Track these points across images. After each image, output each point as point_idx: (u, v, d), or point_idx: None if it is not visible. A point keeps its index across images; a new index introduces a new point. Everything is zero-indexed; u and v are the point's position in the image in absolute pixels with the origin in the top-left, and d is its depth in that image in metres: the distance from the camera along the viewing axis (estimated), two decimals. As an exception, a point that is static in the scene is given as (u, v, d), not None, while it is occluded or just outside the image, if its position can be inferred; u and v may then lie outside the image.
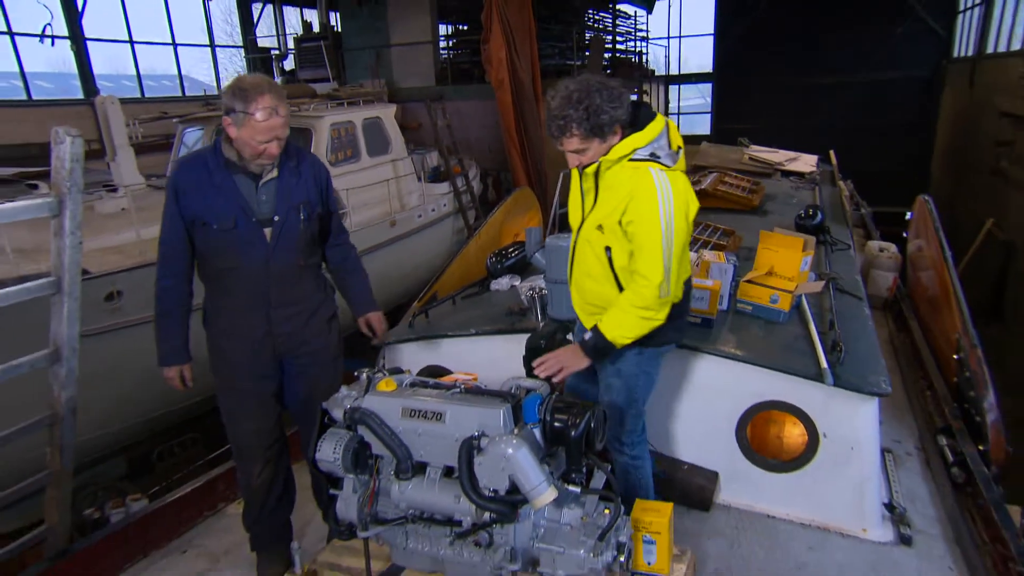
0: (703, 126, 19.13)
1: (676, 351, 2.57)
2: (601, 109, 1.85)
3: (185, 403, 5.31)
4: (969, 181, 11.63)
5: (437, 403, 1.79)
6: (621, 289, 2.01)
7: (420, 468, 1.83)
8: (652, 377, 2.17)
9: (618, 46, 17.80)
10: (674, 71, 20.14)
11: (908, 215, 5.47)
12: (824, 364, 2.40)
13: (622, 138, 1.92)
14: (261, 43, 15.56)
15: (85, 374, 2.23)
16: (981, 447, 2.70)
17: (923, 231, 4.60)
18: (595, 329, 1.99)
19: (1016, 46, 10.23)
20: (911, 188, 8.72)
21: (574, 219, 2.15)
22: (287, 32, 15.92)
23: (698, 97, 20.14)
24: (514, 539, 1.74)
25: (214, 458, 5.10)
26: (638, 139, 1.92)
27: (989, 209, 9.67)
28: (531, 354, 2.50)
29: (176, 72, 13.25)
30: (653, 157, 1.92)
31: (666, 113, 19.71)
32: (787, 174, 6.32)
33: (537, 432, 1.75)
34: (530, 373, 2.42)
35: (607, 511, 1.76)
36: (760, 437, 2.58)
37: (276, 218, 2.08)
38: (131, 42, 12.17)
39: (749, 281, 2.87)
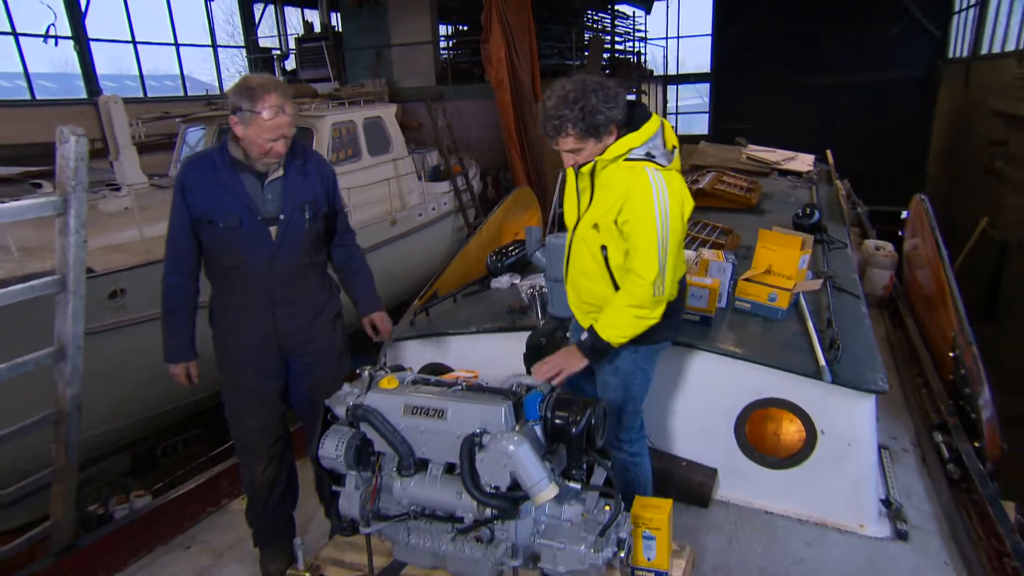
0: (701, 126, 19.19)
1: (676, 349, 2.59)
2: (597, 109, 1.85)
3: (188, 400, 5.34)
4: (964, 180, 11.68)
5: (439, 400, 1.80)
6: (617, 287, 2.02)
7: (422, 465, 1.84)
8: (649, 374, 2.19)
9: (617, 46, 17.83)
10: (672, 71, 20.20)
11: (904, 214, 5.51)
12: (822, 362, 2.41)
13: (617, 138, 1.93)
14: (262, 43, 15.59)
15: (88, 371, 2.25)
16: (976, 444, 2.72)
17: (919, 230, 4.63)
18: (591, 330, 2.00)
19: (1010, 47, 10.27)
20: (907, 187, 8.77)
21: (569, 218, 2.15)
22: (288, 32, 15.95)
23: (696, 97, 20.20)
24: (515, 535, 1.75)
25: (217, 454, 5.12)
26: (634, 139, 1.92)
27: (984, 208, 9.71)
28: (531, 351, 2.52)
29: (178, 72, 13.32)
30: (649, 157, 1.93)
31: (664, 113, 19.78)
32: (784, 173, 6.34)
33: (538, 429, 1.76)
34: (531, 370, 2.44)
35: (607, 507, 1.77)
36: (758, 434, 2.59)
37: (281, 217, 2.09)
38: (134, 42, 12.23)
39: (748, 279, 2.89)
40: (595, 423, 1.78)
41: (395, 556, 1.99)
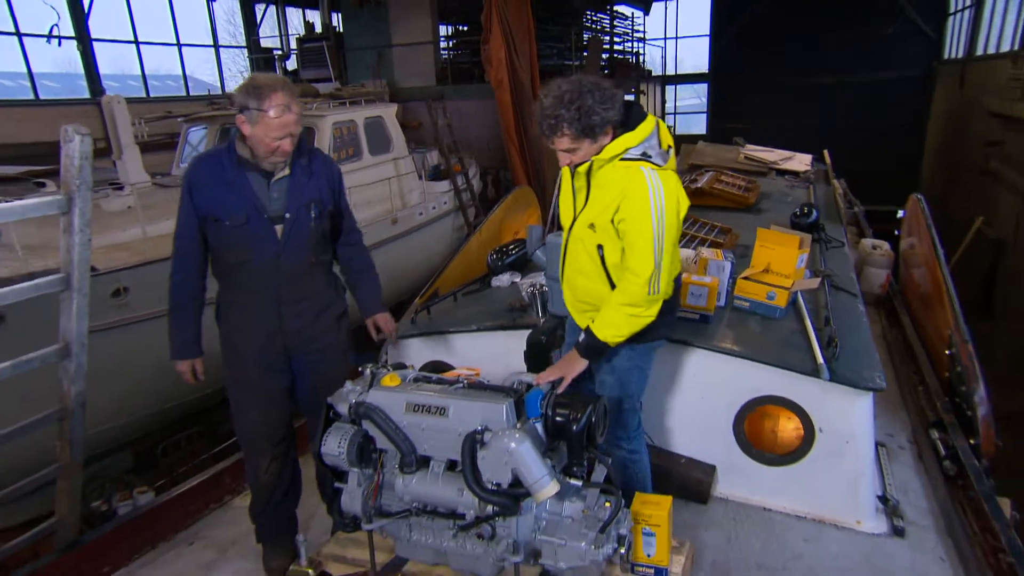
0: (699, 126, 19.26)
1: (675, 347, 2.61)
2: (593, 110, 1.85)
3: (190, 397, 5.36)
4: (960, 180, 11.74)
5: (440, 398, 1.81)
6: (613, 286, 2.02)
7: (424, 462, 1.85)
8: (645, 372, 2.20)
9: (616, 47, 17.85)
10: (670, 71, 20.26)
11: (900, 213, 5.54)
12: (820, 359, 2.43)
13: (613, 138, 1.93)
14: (264, 43, 15.62)
15: (92, 369, 2.25)
16: (972, 441, 2.74)
17: (915, 229, 4.65)
18: (588, 330, 2.01)
19: (1005, 48, 10.33)
20: (902, 187, 8.83)
21: (565, 217, 2.16)
22: (290, 33, 15.96)
23: (694, 97, 20.26)
24: (516, 531, 1.77)
25: (219, 451, 5.16)
26: (630, 139, 1.93)
27: (979, 208, 9.76)
28: (532, 349, 2.54)
29: (180, 72, 13.36)
30: (645, 156, 1.93)
31: (663, 113, 19.83)
32: (782, 173, 6.35)
33: (539, 426, 1.78)
34: (531, 368, 2.46)
35: (608, 504, 1.78)
36: (757, 431, 2.60)
37: (287, 215, 2.11)
38: (136, 42, 12.27)
39: (746, 278, 2.90)
40: (596, 420, 1.80)
41: (397, 552, 2.00)
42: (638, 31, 19.49)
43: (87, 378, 2.26)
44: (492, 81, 10.68)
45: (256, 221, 2.08)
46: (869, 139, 15.10)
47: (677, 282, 2.18)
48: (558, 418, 1.77)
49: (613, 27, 18.49)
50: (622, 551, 1.76)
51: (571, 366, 2.02)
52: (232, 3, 15.49)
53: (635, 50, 18.89)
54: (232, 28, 16.83)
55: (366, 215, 7.24)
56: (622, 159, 1.94)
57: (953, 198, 11.80)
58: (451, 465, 1.84)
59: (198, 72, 14.71)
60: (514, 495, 1.71)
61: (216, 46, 14.34)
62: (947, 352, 3.19)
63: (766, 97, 16.43)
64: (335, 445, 1.85)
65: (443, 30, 13.86)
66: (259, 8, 15.49)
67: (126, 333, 4.76)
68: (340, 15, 13.53)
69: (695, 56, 19.57)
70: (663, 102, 20.37)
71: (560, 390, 1.94)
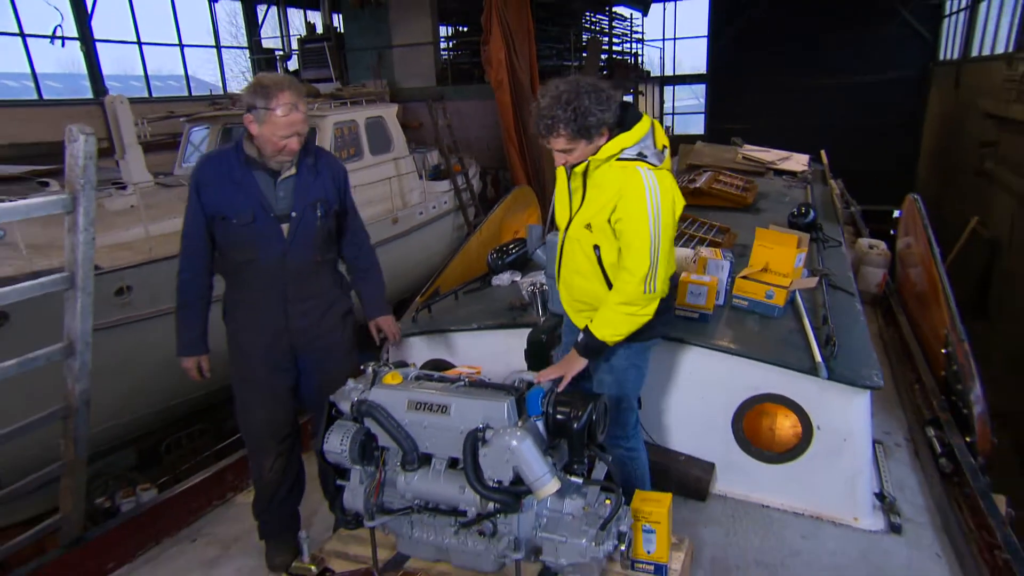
0: (697, 126, 19.33)
1: (675, 345, 2.63)
2: (589, 111, 1.85)
3: (193, 395, 5.38)
4: (955, 180, 11.79)
5: (442, 396, 1.82)
6: (610, 286, 2.03)
7: (425, 459, 1.87)
8: (642, 370, 2.21)
9: (614, 48, 17.87)
10: (669, 72, 20.31)
11: (896, 213, 5.57)
12: (818, 358, 2.44)
13: (609, 139, 1.94)
14: (265, 44, 15.64)
15: (95, 367, 2.27)
16: (968, 438, 2.75)
17: (912, 229, 4.67)
18: (586, 330, 2.02)
19: (1000, 49, 10.39)
20: (898, 187, 8.87)
21: (561, 218, 2.16)
22: (291, 33, 15.98)
23: (691, 98, 20.32)
24: (518, 528, 1.78)
25: (222, 449, 5.18)
26: (626, 139, 1.94)
27: (974, 208, 9.80)
28: (532, 348, 2.55)
29: (183, 72, 13.41)
30: (641, 156, 1.94)
31: (661, 113, 19.89)
32: (779, 173, 6.38)
33: (540, 424, 1.79)
34: (531, 367, 2.48)
35: (608, 501, 1.80)
36: (755, 429, 2.62)
37: (293, 214, 2.12)
38: (139, 43, 12.30)
39: (745, 277, 2.91)
40: (596, 418, 1.81)
41: (399, 549, 2.02)
42: (637, 32, 19.51)
43: (91, 376, 2.27)
44: (492, 82, 10.71)
45: (263, 220, 2.09)
46: (865, 140, 15.19)
47: (673, 281, 2.19)
48: (559, 416, 1.79)
49: (612, 28, 18.50)
50: (622, 548, 1.77)
51: (571, 365, 2.03)
52: (234, 4, 15.53)
53: (634, 51, 18.91)
54: (234, 29, 16.90)
55: (367, 214, 7.19)
56: (618, 159, 1.95)
57: (948, 198, 11.85)
58: (453, 463, 1.85)
59: (200, 72, 14.77)
60: (515, 492, 1.72)
61: (218, 47, 14.39)
62: (943, 351, 3.20)
63: (763, 97, 16.50)
64: (337, 443, 1.86)
65: (443, 31, 13.88)
66: (261, 9, 15.53)
67: (129, 331, 4.79)
68: (341, 16, 13.55)
69: (693, 57, 19.64)
70: (661, 103, 20.41)
71: (560, 388, 1.95)
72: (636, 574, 1.96)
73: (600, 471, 1.90)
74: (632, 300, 1.95)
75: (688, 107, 20.50)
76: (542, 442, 1.77)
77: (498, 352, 2.79)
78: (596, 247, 2.01)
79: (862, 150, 14.36)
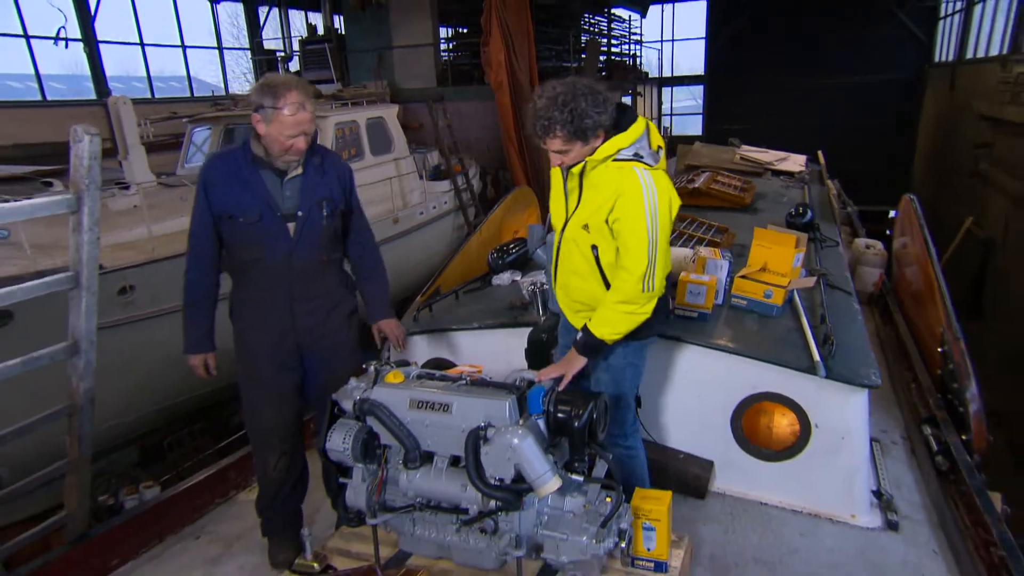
0: (695, 127, 19.39)
1: (674, 344, 2.64)
2: (586, 113, 1.86)
3: (196, 393, 5.40)
4: (950, 181, 11.85)
5: (444, 395, 1.84)
6: (608, 286, 2.04)
7: (427, 458, 1.88)
8: (639, 369, 2.22)
9: (613, 49, 17.91)
10: (667, 73, 20.36)
11: (892, 213, 5.60)
12: (816, 357, 2.45)
13: (604, 140, 1.96)
14: (267, 45, 15.68)
15: (99, 365, 2.27)
16: (964, 436, 2.76)
17: (908, 229, 4.69)
18: (585, 329, 2.03)
19: (994, 52, 10.46)
20: (894, 188, 8.91)
21: (557, 219, 2.17)
22: (292, 35, 16.02)
23: (689, 99, 20.38)
24: (519, 526, 1.79)
25: (224, 447, 5.20)
26: (622, 140, 1.95)
27: (969, 209, 9.86)
28: (533, 347, 2.57)
29: (185, 74, 13.46)
30: (637, 157, 1.96)
31: (659, 114, 19.93)
32: (777, 173, 6.41)
33: (541, 423, 1.80)
34: (532, 366, 2.50)
35: (608, 499, 1.81)
36: (754, 427, 2.63)
37: (300, 213, 2.13)
38: (142, 44, 12.35)
39: (744, 277, 2.93)
40: (597, 417, 1.82)
41: (400, 547, 2.03)
42: (635, 34, 19.54)
43: (95, 374, 2.28)
44: (492, 83, 10.74)
45: (269, 219, 2.11)
46: (862, 140, 15.27)
47: (669, 280, 2.21)
48: (560, 414, 1.80)
49: (611, 30, 18.52)
50: (623, 545, 1.78)
51: (571, 364, 2.04)
52: (236, 6, 15.56)
53: (632, 52, 18.95)
54: (235, 30, 16.96)
55: (368, 214, 7.26)
56: (615, 160, 1.97)
57: (943, 199, 11.90)
58: (454, 461, 1.87)
59: (202, 74, 14.83)
60: (517, 490, 1.74)
61: (220, 48, 14.43)
62: (939, 349, 3.22)
63: (761, 98, 16.58)
64: (340, 441, 1.87)
65: (443, 32, 13.89)
66: (262, 11, 15.56)
67: (132, 330, 4.81)
68: (342, 17, 13.57)
69: (691, 58, 19.71)
70: (659, 103, 20.46)
71: (561, 387, 1.96)
72: (636, 571, 1.98)
73: (601, 469, 1.91)
74: (630, 299, 1.96)
75: (686, 108, 20.56)
76: (543, 440, 1.78)
77: (499, 351, 2.81)
78: (594, 247, 2.02)
79: (858, 151, 14.44)
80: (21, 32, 10.11)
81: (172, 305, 4.73)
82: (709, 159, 6.38)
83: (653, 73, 20.11)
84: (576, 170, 2.01)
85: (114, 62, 12.68)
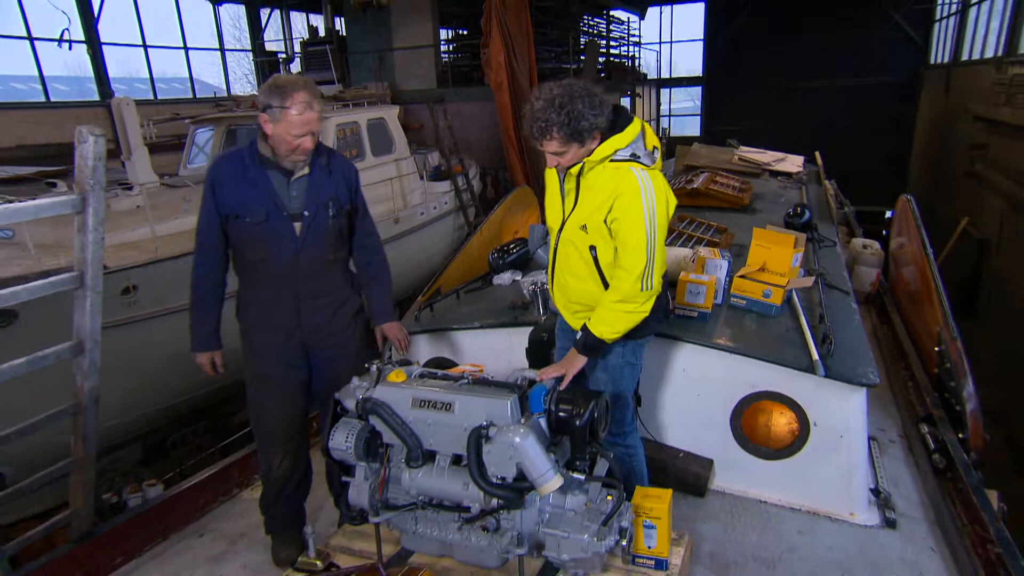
0: (693, 127, 19.45)
1: (674, 344, 2.66)
2: (582, 116, 1.88)
3: (199, 392, 5.42)
4: (945, 182, 11.89)
5: (446, 394, 1.85)
6: (606, 286, 2.06)
7: (429, 456, 1.89)
8: (636, 368, 2.24)
9: (612, 51, 17.95)
10: (665, 75, 20.41)
11: (888, 213, 5.63)
12: (815, 356, 2.47)
13: (601, 142, 1.97)
14: (269, 47, 15.75)
15: (102, 365, 2.29)
16: (961, 435, 2.78)
17: (905, 229, 4.72)
18: (584, 328, 2.05)
19: (989, 54, 10.51)
20: (890, 188, 8.95)
21: (553, 220, 2.18)
22: (294, 36, 16.06)
23: (687, 100, 20.44)
24: (520, 524, 1.81)
25: (226, 445, 5.22)
26: (619, 141, 1.97)
27: (964, 210, 9.90)
28: (534, 346, 2.59)
29: (187, 75, 13.57)
30: (633, 157, 1.98)
31: (657, 115, 19.98)
32: (775, 174, 6.43)
33: (543, 422, 1.82)
34: (533, 365, 2.52)
35: (610, 497, 1.82)
36: (753, 426, 2.64)
37: (306, 213, 2.15)
38: (144, 46, 12.45)
39: (743, 276, 2.94)
40: (598, 416, 1.84)
41: (403, 544, 2.04)
42: (634, 35, 19.59)
43: (99, 373, 2.30)
44: (492, 84, 10.77)
45: (276, 218, 2.12)
46: (858, 141, 15.36)
47: (666, 279, 2.23)
48: (561, 413, 1.81)
49: (609, 31, 18.57)
50: (624, 543, 1.80)
51: (571, 364, 2.06)
52: (237, 8, 15.61)
53: (631, 54, 18.99)
54: (237, 32, 17.01)
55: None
56: (611, 160, 1.99)
57: (939, 200, 11.94)
58: (456, 459, 1.88)
59: (204, 75, 14.92)
60: (518, 489, 1.75)
61: (222, 50, 14.49)
62: (936, 348, 3.23)
63: (758, 100, 16.66)
64: (343, 440, 1.89)
65: (444, 34, 13.93)
66: (264, 12, 15.59)
67: (135, 329, 4.82)
68: (343, 19, 13.60)
69: (689, 60, 19.77)
70: (658, 105, 20.51)
71: (562, 386, 1.98)
72: (637, 569, 1.99)
73: (602, 468, 1.92)
74: (629, 298, 1.98)
75: (684, 109, 20.62)
76: (545, 439, 1.80)
77: (500, 350, 2.83)
78: (592, 248, 2.03)
79: (855, 152, 14.51)
80: (25, 34, 10.18)
81: (175, 305, 4.76)
82: (708, 160, 6.40)
83: (652, 74, 20.16)
84: (574, 171, 2.03)
85: (117, 64, 12.70)
